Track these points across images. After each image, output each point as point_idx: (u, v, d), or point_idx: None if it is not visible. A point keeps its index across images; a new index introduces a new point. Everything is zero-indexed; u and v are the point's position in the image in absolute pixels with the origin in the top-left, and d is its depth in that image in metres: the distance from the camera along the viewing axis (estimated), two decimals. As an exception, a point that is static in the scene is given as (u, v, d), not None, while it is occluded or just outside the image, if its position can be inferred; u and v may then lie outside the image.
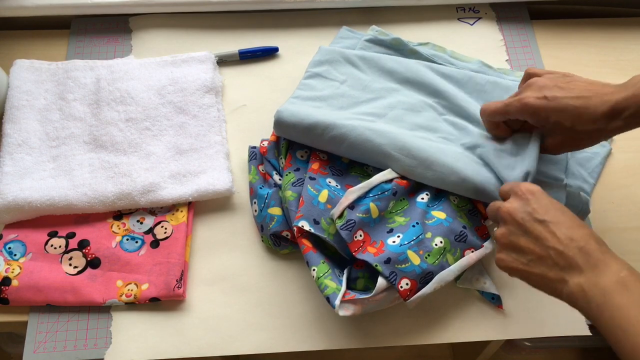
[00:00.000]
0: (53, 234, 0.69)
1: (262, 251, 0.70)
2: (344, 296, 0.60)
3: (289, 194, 0.67)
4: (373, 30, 0.84)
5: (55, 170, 0.72)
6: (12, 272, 0.66)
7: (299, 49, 0.86)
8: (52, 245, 0.68)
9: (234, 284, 0.68)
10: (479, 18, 0.90)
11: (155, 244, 0.69)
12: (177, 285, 0.65)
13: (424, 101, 0.74)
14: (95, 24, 0.88)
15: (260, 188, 0.71)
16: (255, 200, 0.71)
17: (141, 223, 0.70)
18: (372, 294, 0.60)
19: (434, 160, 0.67)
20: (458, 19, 0.89)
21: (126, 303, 0.66)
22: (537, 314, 0.66)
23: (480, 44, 0.86)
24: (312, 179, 0.68)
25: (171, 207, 0.71)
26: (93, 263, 0.67)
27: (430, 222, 0.65)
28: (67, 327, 0.65)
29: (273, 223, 0.68)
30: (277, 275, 0.68)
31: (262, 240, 0.70)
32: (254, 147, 0.75)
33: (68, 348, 0.64)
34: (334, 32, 0.86)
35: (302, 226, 0.63)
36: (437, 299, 0.67)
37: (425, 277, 0.62)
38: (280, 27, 0.88)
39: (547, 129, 0.63)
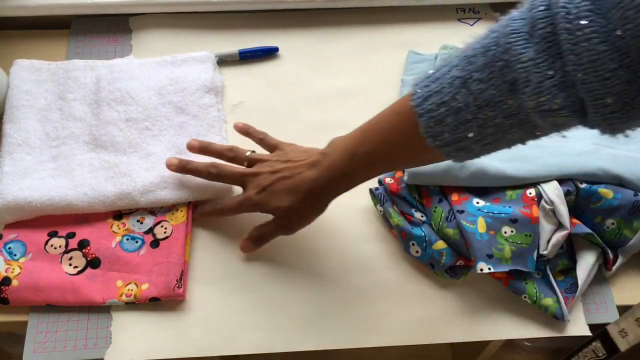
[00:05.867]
0: (53, 234, 0.69)
1: (262, 251, 0.70)
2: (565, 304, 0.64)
3: (451, 232, 0.66)
4: (446, 49, 0.81)
5: (55, 170, 0.72)
6: (12, 272, 0.66)
7: (299, 49, 0.86)
8: (52, 245, 0.68)
9: (234, 284, 0.68)
10: (479, 19, 0.90)
11: (155, 243, 0.69)
12: (177, 285, 0.65)
13: None
14: (95, 24, 0.88)
15: (412, 229, 0.68)
16: (412, 242, 0.68)
17: (141, 223, 0.70)
18: (581, 283, 0.65)
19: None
20: (458, 20, 0.90)
21: (126, 303, 0.66)
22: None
23: (480, 44, 0.86)
24: (460, 212, 0.66)
25: (171, 207, 0.71)
26: (93, 263, 0.67)
27: (598, 204, 0.68)
28: (67, 327, 0.65)
29: (444, 258, 0.66)
30: (277, 275, 0.68)
31: (436, 274, 0.68)
32: (377, 189, 0.71)
33: (68, 348, 0.64)
34: (333, 32, 0.86)
35: (482, 270, 0.63)
36: (437, 298, 0.67)
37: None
38: (280, 27, 0.88)
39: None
